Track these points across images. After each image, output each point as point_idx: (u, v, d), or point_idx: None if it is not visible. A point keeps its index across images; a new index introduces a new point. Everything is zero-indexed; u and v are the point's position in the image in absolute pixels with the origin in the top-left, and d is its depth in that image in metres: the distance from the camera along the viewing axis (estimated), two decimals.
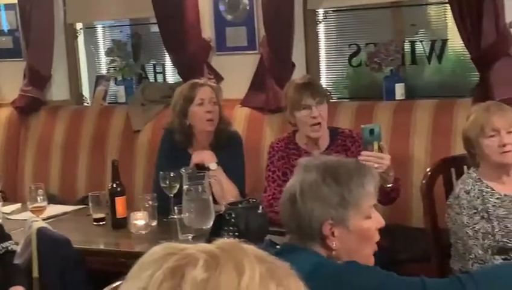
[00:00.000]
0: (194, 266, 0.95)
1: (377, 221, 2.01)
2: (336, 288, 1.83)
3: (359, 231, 1.96)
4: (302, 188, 1.97)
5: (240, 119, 4.66)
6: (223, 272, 0.94)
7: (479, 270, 2.83)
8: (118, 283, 1.82)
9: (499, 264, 2.97)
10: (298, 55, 4.71)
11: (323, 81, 4.83)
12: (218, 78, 4.81)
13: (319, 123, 3.62)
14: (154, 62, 5.48)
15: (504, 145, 3.15)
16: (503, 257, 3.05)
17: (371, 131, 3.26)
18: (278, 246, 2.02)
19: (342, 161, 2.11)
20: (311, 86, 3.70)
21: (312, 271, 1.85)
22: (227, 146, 3.98)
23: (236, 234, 3.09)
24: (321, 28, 4.85)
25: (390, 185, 3.39)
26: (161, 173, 3.74)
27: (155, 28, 5.15)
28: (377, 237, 2.01)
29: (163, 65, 5.43)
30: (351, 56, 4.80)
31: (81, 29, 5.68)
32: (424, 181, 3.52)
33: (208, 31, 4.90)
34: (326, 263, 1.92)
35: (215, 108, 3.92)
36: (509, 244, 3.05)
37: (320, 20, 4.84)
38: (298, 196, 1.96)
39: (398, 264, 3.43)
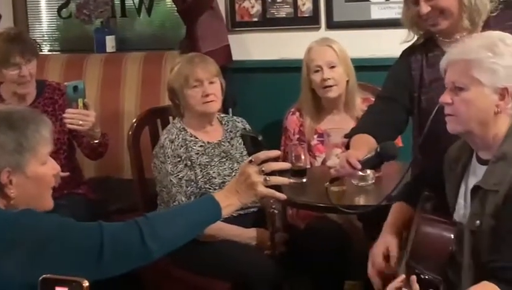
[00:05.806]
0: None
1: (52, 167, 2.03)
2: (12, 235, 1.81)
3: (36, 176, 1.97)
4: None
5: None
6: None
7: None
8: None
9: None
10: (4, 6, 4.54)
11: (32, 34, 4.68)
12: None
13: (28, 81, 3.52)
14: None
15: (207, 96, 3.27)
16: None
17: (75, 88, 3.21)
18: None
19: (15, 108, 2.10)
20: (20, 43, 3.53)
21: None
22: None
23: None
24: None
25: (97, 141, 3.39)
26: None
27: None
28: (53, 183, 2.03)
29: None
30: (60, 7, 4.71)
31: None
32: (130, 132, 3.57)
33: None
34: (1, 211, 1.90)
35: None
36: (211, 190, 3.19)
37: None
38: None
39: (107, 216, 3.45)
